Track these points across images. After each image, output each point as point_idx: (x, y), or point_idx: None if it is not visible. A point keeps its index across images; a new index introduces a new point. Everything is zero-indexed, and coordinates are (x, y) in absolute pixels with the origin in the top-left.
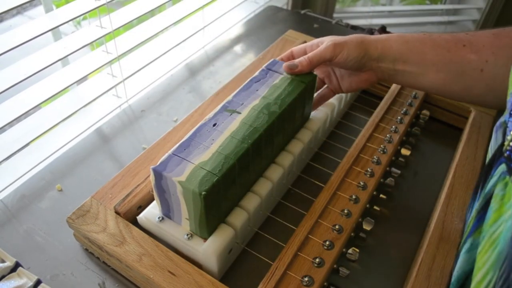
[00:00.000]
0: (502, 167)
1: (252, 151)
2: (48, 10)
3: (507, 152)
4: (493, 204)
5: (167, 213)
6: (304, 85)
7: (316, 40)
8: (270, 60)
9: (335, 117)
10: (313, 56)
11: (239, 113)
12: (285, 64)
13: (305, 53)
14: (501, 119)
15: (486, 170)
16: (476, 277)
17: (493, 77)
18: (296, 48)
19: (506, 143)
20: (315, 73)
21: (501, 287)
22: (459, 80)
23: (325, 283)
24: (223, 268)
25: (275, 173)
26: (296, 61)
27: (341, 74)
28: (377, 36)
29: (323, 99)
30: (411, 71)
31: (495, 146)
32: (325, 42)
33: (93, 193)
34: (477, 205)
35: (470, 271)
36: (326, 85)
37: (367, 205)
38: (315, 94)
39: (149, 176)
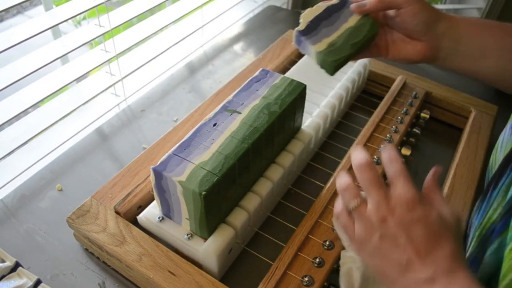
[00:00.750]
0: None
1: (252, 151)
2: (48, 9)
3: None
4: None
5: (167, 213)
6: (305, 85)
7: None
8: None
9: (335, 117)
10: None
11: (239, 113)
12: (353, 5)
13: None
14: None
15: (501, 169)
16: (507, 277)
17: None
18: None
19: None
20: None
21: None
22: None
23: (325, 283)
24: (223, 268)
25: (275, 173)
26: (366, 1)
27: (393, 38)
28: (445, 13)
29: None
30: (472, 54)
31: (510, 143)
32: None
33: (93, 193)
34: (494, 205)
35: (493, 273)
36: (376, 39)
37: None
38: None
39: (149, 176)
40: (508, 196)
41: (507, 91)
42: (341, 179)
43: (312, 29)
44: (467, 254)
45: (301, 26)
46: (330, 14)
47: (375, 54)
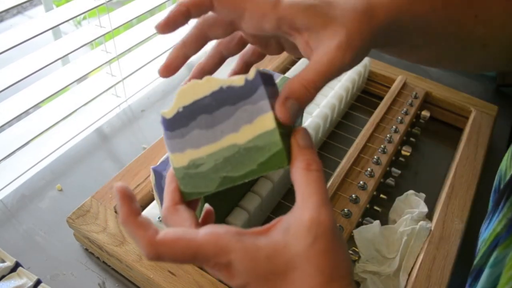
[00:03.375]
0: None
1: None
2: (48, 9)
3: None
4: None
5: None
6: None
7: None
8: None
9: (335, 117)
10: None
11: None
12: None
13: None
14: None
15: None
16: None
17: (493, 53)
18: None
19: None
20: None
21: None
22: (454, 56)
23: None
24: None
25: (276, 173)
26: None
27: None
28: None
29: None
30: (408, 45)
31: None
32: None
33: (93, 193)
34: (499, 216)
35: (492, 286)
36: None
37: (367, 205)
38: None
39: (149, 176)
40: (506, 206)
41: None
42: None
43: (181, 122)
44: (473, 266)
45: (169, 111)
46: (218, 105)
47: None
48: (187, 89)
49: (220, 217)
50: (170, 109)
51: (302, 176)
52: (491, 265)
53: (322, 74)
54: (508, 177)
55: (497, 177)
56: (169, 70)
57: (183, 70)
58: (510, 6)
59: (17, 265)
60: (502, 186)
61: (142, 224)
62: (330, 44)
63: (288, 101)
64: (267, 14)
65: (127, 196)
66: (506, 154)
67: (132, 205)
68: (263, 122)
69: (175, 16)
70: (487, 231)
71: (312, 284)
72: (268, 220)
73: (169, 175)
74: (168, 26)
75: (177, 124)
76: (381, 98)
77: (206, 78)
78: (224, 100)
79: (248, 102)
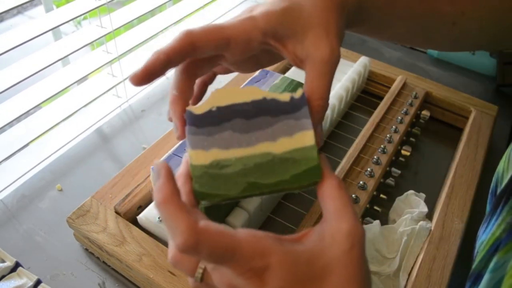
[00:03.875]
0: None
1: None
2: (48, 10)
3: None
4: None
5: None
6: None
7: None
8: None
9: (335, 117)
10: None
11: None
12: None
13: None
14: None
15: (505, 193)
16: None
17: (465, 31)
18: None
19: None
20: None
21: None
22: (423, 34)
23: None
24: None
25: None
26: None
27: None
28: None
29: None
30: (373, 25)
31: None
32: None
33: (93, 193)
34: (498, 220)
35: None
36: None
37: (367, 205)
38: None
39: (149, 176)
40: (505, 210)
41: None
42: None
43: (212, 121)
44: (471, 270)
45: (200, 107)
46: (257, 113)
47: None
48: (225, 92)
49: (220, 217)
50: (200, 105)
51: (336, 192)
52: (492, 270)
53: (328, 84)
54: (506, 181)
55: (494, 180)
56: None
57: None
58: None
59: (17, 265)
60: (499, 189)
61: (185, 206)
62: (319, 54)
63: (318, 127)
64: (251, 33)
65: (171, 174)
66: (504, 157)
67: (175, 185)
68: (304, 138)
69: (154, 66)
70: (486, 234)
71: None
72: (268, 220)
73: (181, 175)
74: (145, 77)
75: (207, 121)
76: (381, 98)
77: (248, 87)
78: (265, 110)
79: (291, 117)
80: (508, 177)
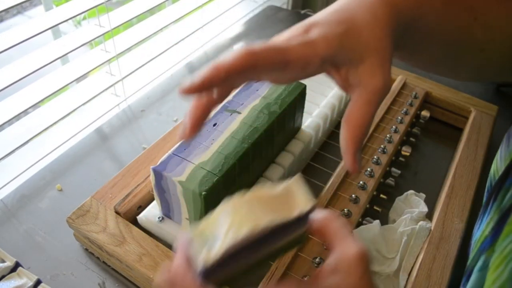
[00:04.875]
0: None
1: (252, 151)
2: (48, 9)
3: None
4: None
5: (167, 213)
6: (305, 85)
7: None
8: None
9: (335, 117)
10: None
11: (239, 113)
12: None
13: None
14: None
15: (500, 182)
16: None
17: (490, 58)
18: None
19: None
20: None
21: None
22: (454, 60)
23: None
24: None
25: (275, 173)
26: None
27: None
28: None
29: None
30: (410, 49)
31: (508, 155)
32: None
33: (93, 193)
34: (487, 219)
35: None
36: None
37: (367, 205)
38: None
39: (149, 176)
40: (492, 210)
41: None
42: None
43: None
44: (466, 267)
45: (206, 260)
46: (266, 243)
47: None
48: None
49: None
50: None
51: (333, 223)
52: (479, 269)
53: (374, 113)
54: (496, 179)
55: (488, 179)
56: (194, 130)
57: (183, 71)
58: (509, 9)
59: (17, 265)
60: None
61: None
62: (373, 83)
63: (357, 154)
64: (311, 59)
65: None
66: (495, 157)
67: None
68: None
69: (211, 80)
70: (478, 232)
71: None
72: None
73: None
74: (200, 89)
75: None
76: None
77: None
78: (274, 238)
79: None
80: (499, 175)
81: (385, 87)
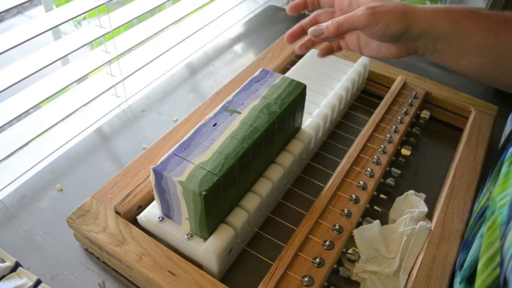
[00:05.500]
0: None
1: (252, 151)
2: (48, 9)
3: None
4: (500, 181)
5: (167, 213)
6: (305, 85)
7: None
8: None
9: (335, 117)
10: (343, 22)
11: (239, 113)
12: (310, 30)
13: (332, 15)
14: None
15: (497, 156)
16: (487, 252)
17: None
18: (322, 12)
19: None
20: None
21: (501, 247)
22: (499, 66)
23: (325, 283)
24: (223, 268)
25: (275, 173)
26: (323, 25)
27: (367, 40)
28: (423, 8)
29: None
30: (451, 53)
31: (507, 133)
32: (361, 6)
33: (93, 193)
34: (484, 191)
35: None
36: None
37: (367, 205)
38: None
39: (149, 176)
40: (492, 178)
41: (491, 85)
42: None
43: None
44: (464, 238)
45: None
46: None
47: (345, 48)
48: None
49: (220, 216)
50: None
51: None
52: (480, 236)
53: None
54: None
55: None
56: (293, 36)
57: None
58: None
59: (17, 265)
60: None
61: None
62: None
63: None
64: (399, 19)
65: None
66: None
67: None
68: None
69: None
70: (476, 204)
71: None
72: (268, 220)
73: None
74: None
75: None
76: (381, 98)
77: None
78: None
79: None
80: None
81: None
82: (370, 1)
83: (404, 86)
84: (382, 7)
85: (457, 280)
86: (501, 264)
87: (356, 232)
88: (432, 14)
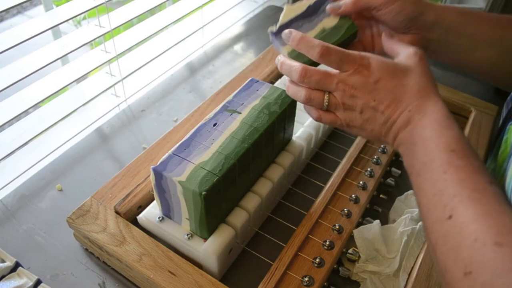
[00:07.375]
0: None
1: (252, 151)
2: (48, 9)
3: None
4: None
5: (167, 213)
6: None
7: None
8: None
9: None
10: None
11: (239, 113)
12: (329, 6)
13: None
14: None
15: (497, 135)
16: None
17: None
18: None
19: None
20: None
21: None
22: (509, 58)
23: (325, 283)
24: (223, 268)
25: (275, 173)
26: (341, 2)
27: (379, 32)
28: (431, 3)
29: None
30: (463, 45)
31: (506, 113)
32: None
33: (93, 193)
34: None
35: None
36: (356, 39)
37: (367, 205)
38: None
39: (149, 176)
40: (494, 162)
41: (500, 86)
42: (297, 93)
43: (285, 29)
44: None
45: (277, 25)
46: (310, 14)
47: (360, 50)
48: (288, 10)
49: (221, 216)
50: (278, 23)
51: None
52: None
53: None
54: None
55: None
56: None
57: (183, 71)
58: None
59: (17, 265)
60: None
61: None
62: None
63: None
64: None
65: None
66: None
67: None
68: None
69: None
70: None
71: (423, 80)
72: (268, 220)
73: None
74: None
75: (283, 29)
76: None
77: (298, 2)
78: (312, 10)
79: (324, 7)
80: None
81: None
82: None
83: None
84: None
85: None
86: None
87: (356, 232)
88: (440, 7)
